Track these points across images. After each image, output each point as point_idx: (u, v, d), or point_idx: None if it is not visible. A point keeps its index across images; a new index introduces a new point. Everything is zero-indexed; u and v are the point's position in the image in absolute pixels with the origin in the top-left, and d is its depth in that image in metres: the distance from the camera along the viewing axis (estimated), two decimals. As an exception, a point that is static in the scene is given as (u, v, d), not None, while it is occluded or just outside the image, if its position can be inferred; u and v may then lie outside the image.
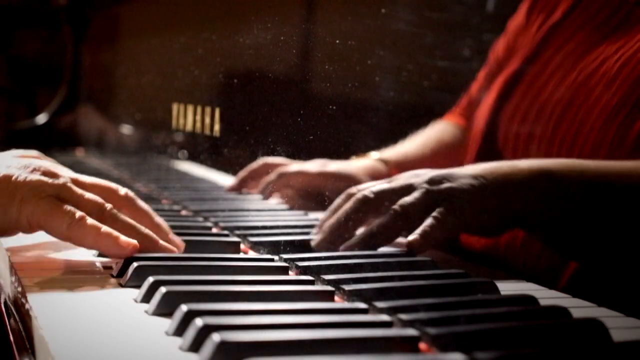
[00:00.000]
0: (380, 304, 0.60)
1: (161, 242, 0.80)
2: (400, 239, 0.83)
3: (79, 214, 0.76)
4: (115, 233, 0.76)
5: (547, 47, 0.88)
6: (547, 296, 0.70)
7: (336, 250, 0.83)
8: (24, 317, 0.65)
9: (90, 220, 0.76)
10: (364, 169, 1.01)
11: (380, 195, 0.84)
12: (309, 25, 1.03)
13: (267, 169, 1.07)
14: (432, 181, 0.81)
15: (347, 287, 0.65)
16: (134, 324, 0.59)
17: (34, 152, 0.87)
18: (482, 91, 0.94)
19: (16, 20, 2.52)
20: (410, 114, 0.93)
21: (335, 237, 0.84)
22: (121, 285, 0.70)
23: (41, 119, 2.06)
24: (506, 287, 0.69)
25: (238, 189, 1.13)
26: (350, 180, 0.97)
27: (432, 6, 0.90)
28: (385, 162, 1.03)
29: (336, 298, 0.66)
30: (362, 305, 0.61)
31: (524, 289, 0.72)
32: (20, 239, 0.87)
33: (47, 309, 0.61)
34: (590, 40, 0.83)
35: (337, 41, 0.96)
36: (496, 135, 0.90)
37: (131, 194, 0.86)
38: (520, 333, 0.54)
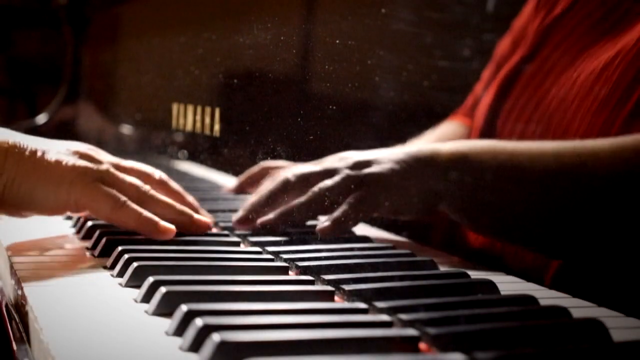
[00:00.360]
0: (380, 304, 0.60)
1: (195, 216, 0.88)
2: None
3: (122, 198, 0.83)
4: (155, 218, 0.83)
5: (547, 43, 0.88)
6: (547, 296, 0.70)
7: (253, 227, 0.88)
8: (24, 317, 0.65)
9: (132, 205, 0.83)
10: None
11: (302, 177, 0.88)
12: (309, 25, 1.03)
13: (266, 172, 1.07)
14: (354, 166, 0.84)
15: (347, 287, 0.65)
16: (134, 324, 0.59)
17: (82, 145, 0.91)
18: (486, 90, 0.94)
19: (16, 20, 2.52)
20: (411, 115, 0.93)
21: (254, 214, 0.89)
22: (121, 286, 0.70)
23: (41, 119, 2.06)
24: (506, 287, 0.69)
25: (237, 193, 1.13)
26: None
27: (432, 6, 0.90)
28: None
29: (336, 298, 0.66)
30: (362, 305, 0.61)
31: (524, 289, 0.71)
32: (20, 239, 0.88)
33: (47, 309, 0.61)
34: (589, 37, 0.83)
35: (337, 41, 0.96)
36: (494, 131, 0.90)
37: (165, 176, 0.94)
38: (520, 333, 0.54)
